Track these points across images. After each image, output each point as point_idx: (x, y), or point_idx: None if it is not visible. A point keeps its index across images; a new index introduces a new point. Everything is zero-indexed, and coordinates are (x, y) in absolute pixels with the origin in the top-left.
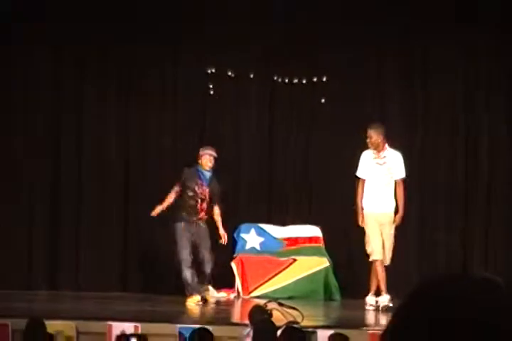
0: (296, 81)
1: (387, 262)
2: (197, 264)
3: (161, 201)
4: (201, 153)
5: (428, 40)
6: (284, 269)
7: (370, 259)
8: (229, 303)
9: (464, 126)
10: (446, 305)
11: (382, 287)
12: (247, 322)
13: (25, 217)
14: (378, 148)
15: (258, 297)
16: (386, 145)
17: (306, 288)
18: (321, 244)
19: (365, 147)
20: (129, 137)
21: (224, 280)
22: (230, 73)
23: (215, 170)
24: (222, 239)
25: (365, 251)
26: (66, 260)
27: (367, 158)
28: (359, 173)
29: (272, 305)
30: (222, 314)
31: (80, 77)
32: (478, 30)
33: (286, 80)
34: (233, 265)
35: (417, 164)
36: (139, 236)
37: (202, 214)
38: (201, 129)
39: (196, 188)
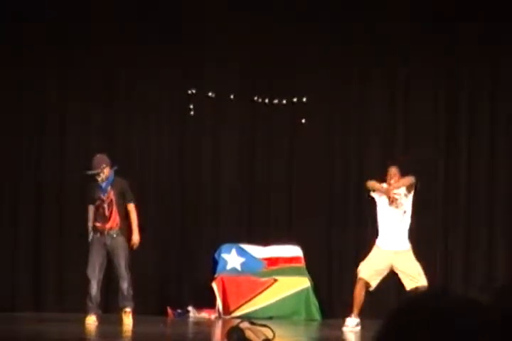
0: (276, 101)
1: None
2: (116, 280)
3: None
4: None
5: (410, 60)
6: (265, 289)
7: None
8: (210, 324)
9: (445, 145)
10: (423, 326)
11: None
12: None
13: (8, 239)
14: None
15: (239, 317)
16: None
17: (287, 308)
18: (302, 264)
19: (346, 167)
20: (115, 154)
21: (205, 300)
22: (210, 94)
23: (115, 170)
24: (133, 246)
25: (346, 270)
26: (50, 282)
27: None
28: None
29: (244, 325)
30: (202, 334)
31: (63, 93)
32: (458, 59)
33: (267, 101)
34: (214, 285)
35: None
36: None
37: (112, 222)
38: (182, 149)
39: (101, 195)
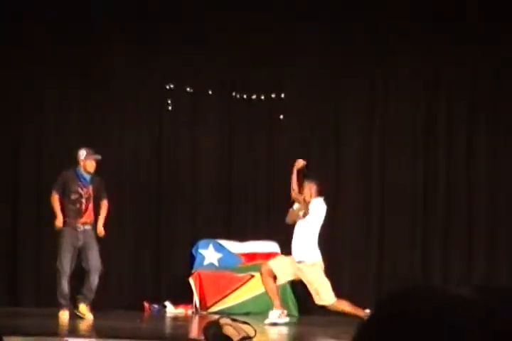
0: (254, 97)
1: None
2: (84, 273)
3: (53, 213)
4: (84, 157)
5: (389, 55)
6: (242, 285)
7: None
8: (186, 319)
9: (423, 147)
10: (409, 323)
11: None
12: (203, 337)
13: None
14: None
15: (216, 313)
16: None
17: (264, 304)
18: None
19: (323, 163)
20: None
21: (182, 295)
22: (188, 89)
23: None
24: (99, 234)
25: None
26: (27, 276)
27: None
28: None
29: (225, 321)
30: (179, 330)
31: (41, 86)
32: (437, 60)
33: (245, 96)
34: (191, 281)
35: (378, 180)
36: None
37: (86, 217)
38: (159, 145)
39: (79, 190)
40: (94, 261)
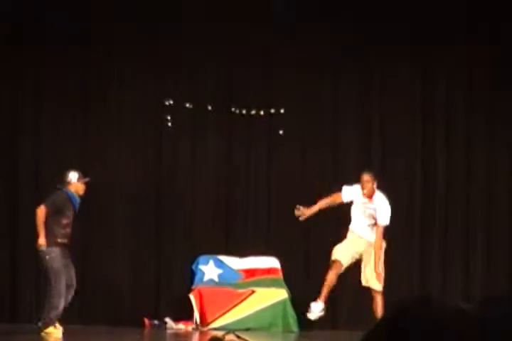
0: (253, 112)
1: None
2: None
3: (38, 230)
4: (76, 179)
5: (385, 68)
6: (242, 301)
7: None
8: (187, 335)
9: (421, 156)
10: (409, 337)
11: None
12: None
13: None
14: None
15: (216, 329)
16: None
17: (265, 320)
18: (279, 276)
19: (322, 178)
20: (91, 165)
21: (182, 311)
22: (187, 105)
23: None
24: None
25: (323, 282)
26: (25, 293)
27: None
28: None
29: (229, 337)
30: None
31: (38, 100)
32: (434, 59)
33: (244, 112)
34: (191, 297)
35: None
36: (99, 268)
37: (70, 237)
38: (158, 161)
39: (70, 214)
40: (74, 280)
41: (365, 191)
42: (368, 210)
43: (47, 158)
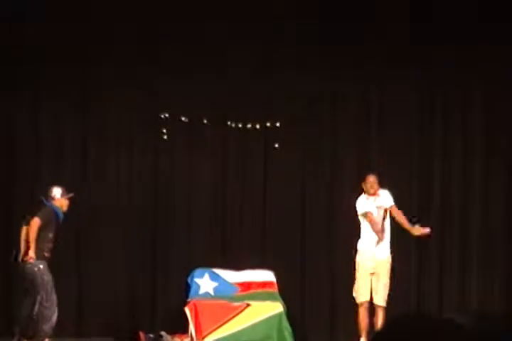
0: (249, 126)
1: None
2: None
3: (27, 244)
4: (60, 195)
5: (383, 84)
6: (237, 314)
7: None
8: None
9: (418, 170)
10: None
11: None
12: None
13: None
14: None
15: None
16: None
17: (260, 333)
18: (275, 289)
19: (318, 191)
20: (87, 177)
21: (177, 325)
22: (183, 118)
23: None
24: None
25: (319, 295)
26: None
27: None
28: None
29: None
30: None
31: (35, 117)
32: (433, 74)
33: (240, 125)
34: (187, 310)
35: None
36: (94, 282)
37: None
38: (154, 174)
39: (54, 229)
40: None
41: (371, 191)
42: (377, 203)
43: (43, 178)
